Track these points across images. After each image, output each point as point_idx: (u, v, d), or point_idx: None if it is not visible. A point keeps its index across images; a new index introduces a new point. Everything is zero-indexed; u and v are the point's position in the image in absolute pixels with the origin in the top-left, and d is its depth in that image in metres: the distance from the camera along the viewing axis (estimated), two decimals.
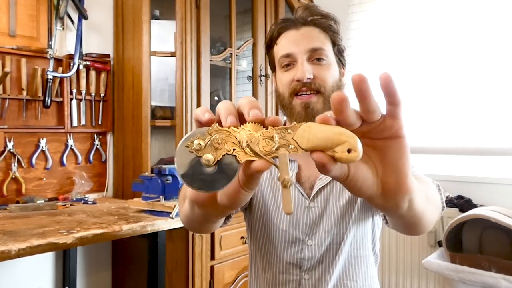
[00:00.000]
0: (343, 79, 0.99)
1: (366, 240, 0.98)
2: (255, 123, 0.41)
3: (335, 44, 0.95)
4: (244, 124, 0.41)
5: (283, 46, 0.94)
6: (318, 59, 0.91)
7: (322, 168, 0.40)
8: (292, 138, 0.40)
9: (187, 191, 0.54)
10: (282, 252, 0.95)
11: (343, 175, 0.42)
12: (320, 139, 0.39)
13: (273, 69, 1.00)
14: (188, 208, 0.62)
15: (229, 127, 0.41)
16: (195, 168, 0.41)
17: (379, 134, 0.42)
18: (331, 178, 0.91)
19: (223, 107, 0.42)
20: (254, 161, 0.40)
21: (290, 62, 0.93)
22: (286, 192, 0.39)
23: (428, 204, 0.58)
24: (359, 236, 0.95)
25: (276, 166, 0.40)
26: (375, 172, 0.44)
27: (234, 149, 0.41)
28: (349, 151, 0.39)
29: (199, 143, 0.40)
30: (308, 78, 0.89)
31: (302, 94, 0.91)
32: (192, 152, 0.40)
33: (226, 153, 0.40)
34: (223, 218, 0.72)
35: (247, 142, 0.40)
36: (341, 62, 0.97)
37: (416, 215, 0.52)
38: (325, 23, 0.94)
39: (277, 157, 0.40)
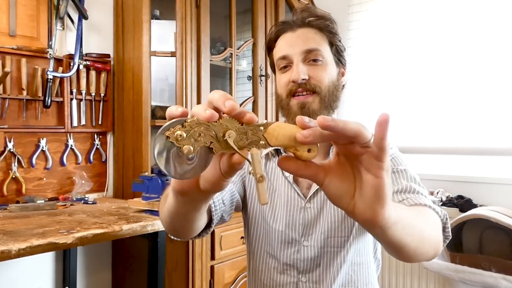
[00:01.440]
0: (343, 78, 0.99)
1: (368, 246, 0.97)
2: (231, 117, 0.45)
3: (332, 44, 0.95)
4: (221, 119, 0.45)
5: (280, 49, 0.96)
6: (314, 60, 0.92)
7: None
8: (263, 135, 0.45)
9: (170, 186, 0.57)
10: (279, 252, 0.95)
11: (318, 179, 0.47)
12: (286, 137, 0.45)
13: (274, 71, 1.02)
14: (171, 202, 0.63)
15: (208, 121, 0.44)
16: (173, 157, 0.44)
17: (367, 165, 0.45)
18: None
19: (218, 95, 0.45)
20: (234, 154, 0.45)
21: (287, 64, 0.94)
22: (261, 186, 0.44)
23: (419, 243, 0.60)
24: (361, 242, 0.94)
25: (248, 160, 0.44)
26: (352, 192, 0.47)
27: (211, 142, 0.44)
28: (309, 150, 0.45)
29: (180, 134, 0.43)
30: (303, 79, 0.90)
31: (299, 95, 0.92)
32: (173, 142, 0.43)
33: (204, 145, 0.44)
34: (205, 213, 0.72)
35: (223, 136, 0.44)
36: (340, 62, 0.98)
37: (393, 244, 0.55)
38: (321, 24, 0.95)
39: (249, 150, 0.45)
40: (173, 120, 0.44)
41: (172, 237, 0.80)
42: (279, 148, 0.97)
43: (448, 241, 0.78)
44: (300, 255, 0.94)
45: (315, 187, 0.95)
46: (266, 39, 1.02)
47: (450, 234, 0.79)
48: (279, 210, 0.97)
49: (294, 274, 0.94)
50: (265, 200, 0.44)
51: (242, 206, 1.02)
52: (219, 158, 0.48)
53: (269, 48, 1.01)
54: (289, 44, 0.94)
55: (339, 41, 0.97)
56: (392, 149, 0.98)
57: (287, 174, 0.98)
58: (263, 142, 0.45)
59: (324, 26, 0.95)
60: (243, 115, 0.45)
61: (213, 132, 0.44)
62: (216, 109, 0.45)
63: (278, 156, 1.01)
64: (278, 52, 0.97)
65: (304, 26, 0.95)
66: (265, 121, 0.46)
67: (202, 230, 0.82)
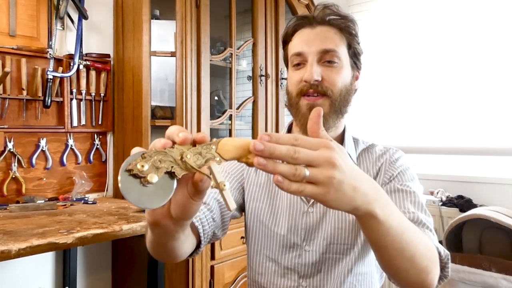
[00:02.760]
0: (356, 82, 0.96)
1: (372, 256, 0.95)
2: (184, 144, 0.48)
3: (350, 46, 0.92)
4: (176, 144, 0.48)
5: (295, 44, 0.92)
6: (330, 62, 0.89)
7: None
8: (216, 151, 0.49)
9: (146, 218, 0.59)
10: (280, 256, 0.94)
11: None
12: (237, 149, 0.49)
13: (286, 65, 0.99)
14: (149, 233, 0.64)
15: (164, 148, 0.47)
16: (141, 189, 0.45)
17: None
18: None
19: (174, 128, 0.49)
20: (194, 174, 0.47)
21: (300, 61, 0.91)
22: (225, 193, 0.46)
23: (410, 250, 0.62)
24: (366, 252, 0.92)
25: (208, 176, 0.47)
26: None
27: (172, 167, 0.46)
28: None
29: (142, 165, 0.44)
30: (315, 80, 0.87)
31: (309, 96, 0.89)
32: (136, 174, 0.44)
33: (166, 171, 0.46)
34: (187, 239, 0.73)
35: (181, 159, 0.47)
36: (356, 65, 0.95)
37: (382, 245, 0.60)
38: (342, 24, 0.91)
39: (208, 167, 0.48)
40: (132, 154, 0.46)
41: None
42: None
43: (446, 280, 0.76)
44: (302, 259, 0.92)
45: None
46: (284, 31, 0.97)
47: (449, 273, 0.76)
48: (281, 214, 0.95)
49: (295, 278, 0.93)
50: (233, 205, 0.46)
51: (242, 210, 1.02)
52: (186, 183, 0.50)
53: (285, 41, 0.97)
54: (306, 41, 0.90)
55: (358, 43, 0.94)
56: (400, 159, 0.95)
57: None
58: (218, 158, 0.48)
59: (345, 26, 0.91)
60: (195, 137, 0.48)
61: (172, 157, 0.46)
62: (173, 142, 0.48)
63: None
64: (293, 47, 0.93)
65: (324, 24, 0.91)
66: (214, 139, 0.50)
67: (193, 251, 0.81)
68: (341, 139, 0.97)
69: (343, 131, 0.98)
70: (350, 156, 0.95)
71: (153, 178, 0.45)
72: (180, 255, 0.74)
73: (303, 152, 0.48)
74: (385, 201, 0.57)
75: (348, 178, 0.49)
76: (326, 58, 0.89)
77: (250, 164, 0.49)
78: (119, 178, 0.44)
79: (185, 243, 0.73)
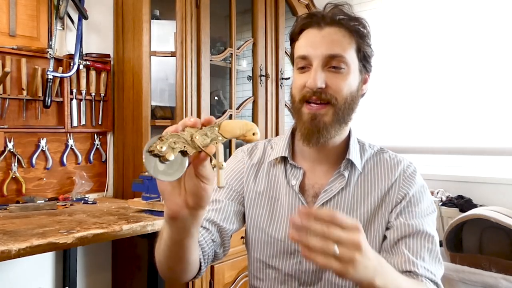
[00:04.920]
0: (365, 86, 0.93)
1: None
2: (194, 127, 0.59)
3: (360, 49, 0.88)
4: (186, 127, 0.58)
5: (301, 46, 0.88)
6: (336, 67, 0.84)
7: None
8: (218, 132, 0.59)
9: (163, 219, 0.67)
10: (280, 262, 0.93)
11: None
12: (236, 129, 0.60)
13: (293, 64, 0.95)
14: (166, 233, 0.69)
15: (177, 132, 0.57)
16: (160, 166, 0.55)
17: None
18: (337, 191, 0.90)
19: (187, 117, 0.60)
20: (201, 153, 0.57)
21: (305, 65, 0.86)
22: (221, 172, 0.57)
23: None
24: None
25: (211, 156, 0.57)
26: None
27: (184, 146, 0.56)
28: (253, 134, 0.61)
29: (161, 146, 0.54)
30: (319, 88, 0.83)
31: (311, 103, 0.85)
32: (157, 154, 0.55)
33: (180, 150, 0.56)
34: (196, 249, 0.77)
35: (191, 139, 0.57)
36: (365, 68, 0.91)
37: None
38: (352, 26, 0.86)
39: (214, 145, 0.58)
40: (151, 139, 0.55)
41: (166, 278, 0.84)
42: (286, 156, 0.96)
43: None
44: (302, 266, 0.91)
45: (321, 199, 0.91)
46: (291, 29, 0.93)
47: None
48: (281, 219, 0.93)
49: (295, 285, 0.91)
50: (222, 183, 0.58)
51: (244, 220, 1.01)
52: (194, 172, 0.59)
53: (292, 39, 0.92)
54: (312, 44, 0.85)
55: (369, 45, 0.90)
56: (415, 181, 0.92)
57: (293, 182, 0.93)
58: (221, 138, 0.59)
59: (355, 29, 0.87)
60: (203, 121, 0.59)
61: (183, 139, 0.57)
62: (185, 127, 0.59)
63: (284, 164, 0.97)
64: (298, 49, 0.88)
65: (333, 24, 0.85)
66: (216, 121, 0.60)
67: (196, 275, 0.83)
68: (345, 145, 0.94)
69: (348, 135, 0.95)
70: (355, 164, 0.92)
71: (170, 156, 0.55)
72: (189, 264, 0.76)
73: (335, 234, 0.58)
74: (385, 273, 0.65)
75: (365, 259, 0.60)
76: (332, 63, 0.84)
77: (248, 141, 0.61)
78: (143, 158, 0.54)
79: (196, 250, 0.76)
